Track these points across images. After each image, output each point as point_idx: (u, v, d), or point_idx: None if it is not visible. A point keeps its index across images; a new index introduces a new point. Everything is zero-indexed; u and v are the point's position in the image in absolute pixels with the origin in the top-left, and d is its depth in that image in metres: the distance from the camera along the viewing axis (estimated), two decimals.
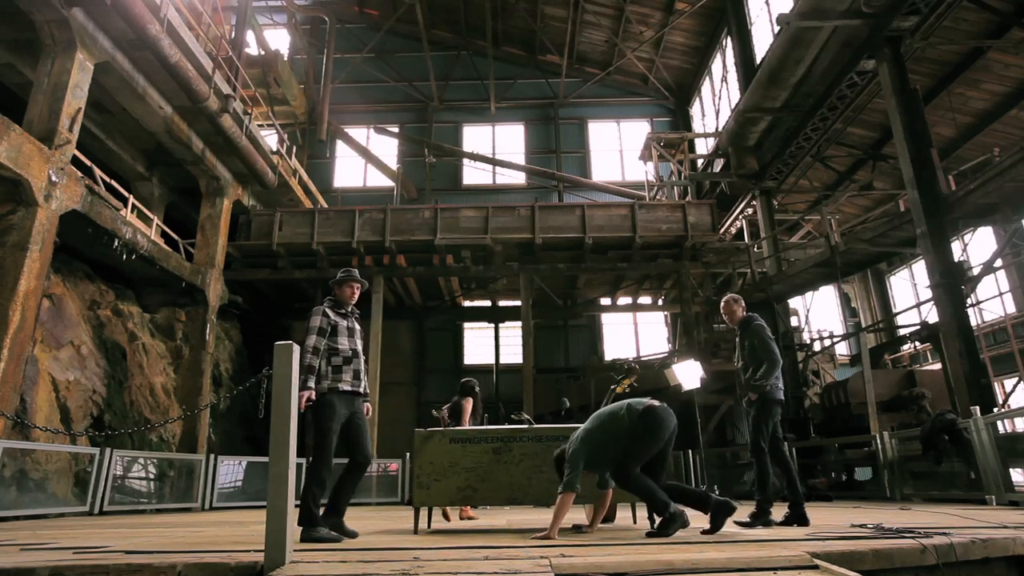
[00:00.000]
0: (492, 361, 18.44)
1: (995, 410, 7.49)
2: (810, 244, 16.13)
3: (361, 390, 3.76)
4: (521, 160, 20.82)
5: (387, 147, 21.23)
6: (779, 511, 4.26)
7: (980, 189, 8.39)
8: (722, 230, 15.45)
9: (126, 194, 10.49)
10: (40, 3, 8.09)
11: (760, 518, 4.01)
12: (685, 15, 17.75)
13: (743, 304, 4.64)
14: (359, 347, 3.83)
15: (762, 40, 15.03)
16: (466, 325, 18.88)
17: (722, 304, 4.71)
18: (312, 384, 3.53)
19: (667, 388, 12.08)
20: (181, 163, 12.22)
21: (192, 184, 12.84)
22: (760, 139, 14.34)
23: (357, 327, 3.92)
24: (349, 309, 3.92)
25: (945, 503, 6.41)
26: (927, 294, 10.24)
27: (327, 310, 3.79)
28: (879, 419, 9.92)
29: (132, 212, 10.47)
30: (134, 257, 10.06)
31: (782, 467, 4.32)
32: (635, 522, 4.51)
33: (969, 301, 8.87)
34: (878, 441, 7.99)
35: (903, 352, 17.62)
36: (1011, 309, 13.45)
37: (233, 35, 14.89)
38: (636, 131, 21.27)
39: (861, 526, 3.44)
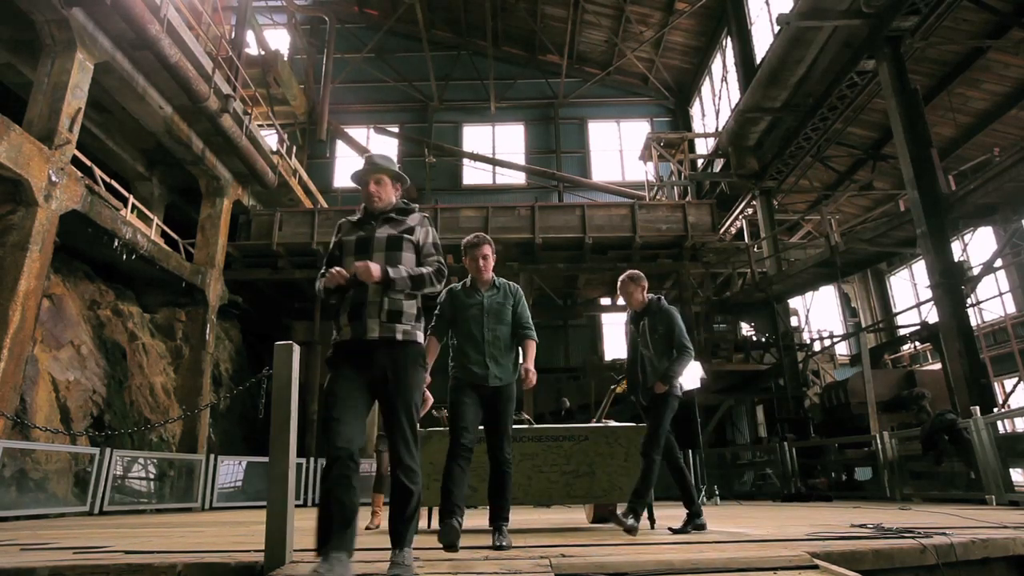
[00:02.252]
0: None
1: (995, 410, 7.49)
2: (810, 244, 16.13)
3: (371, 334, 2.32)
4: (521, 160, 20.82)
5: (387, 147, 21.24)
6: (775, 512, 4.25)
7: (980, 189, 8.40)
8: (722, 230, 15.46)
9: (126, 194, 10.49)
10: (40, 3, 8.09)
11: (692, 521, 3.76)
12: (685, 15, 17.76)
13: (645, 284, 4.10)
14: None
15: (762, 40, 15.03)
16: None
17: (619, 284, 4.11)
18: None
19: None
20: (181, 163, 12.22)
21: (192, 184, 12.84)
22: (760, 139, 14.34)
23: (384, 234, 2.50)
24: (375, 210, 2.57)
25: (945, 503, 6.41)
26: (927, 294, 10.25)
27: (341, 224, 2.69)
28: (879, 419, 9.92)
29: (132, 212, 10.47)
30: (134, 257, 10.06)
31: (677, 471, 4.02)
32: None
33: (969, 301, 8.88)
34: (878, 441, 7.99)
35: (903, 352, 17.62)
36: (1011, 309, 13.44)
37: (233, 35, 14.88)
38: (636, 131, 21.28)
39: (861, 526, 3.44)
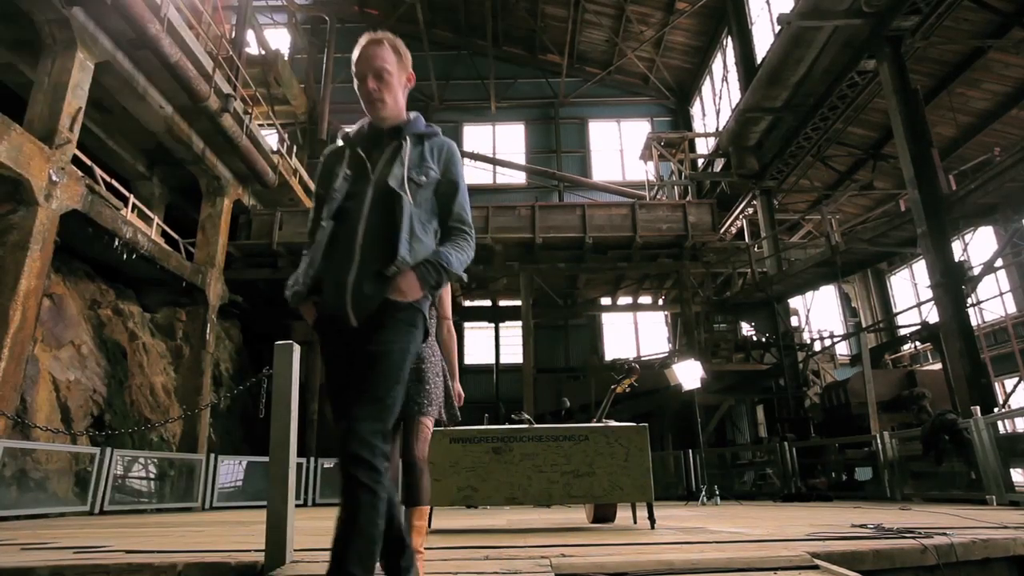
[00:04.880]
0: (492, 361, 18.45)
1: (995, 410, 7.49)
2: (810, 244, 16.12)
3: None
4: (521, 160, 20.83)
5: None
6: (781, 513, 4.24)
7: (980, 189, 8.40)
8: (722, 230, 15.46)
9: (126, 194, 10.49)
10: (40, 3, 8.09)
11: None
12: (685, 15, 17.75)
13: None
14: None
15: (763, 40, 15.03)
16: (466, 325, 18.90)
17: (372, 51, 1.79)
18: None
19: (667, 388, 12.09)
20: (181, 163, 12.22)
21: (192, 184, 12.84)
22: (760, 139, 14.34)
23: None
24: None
25: (945, 503, 6.41)
26: (927, 294, 10.24)
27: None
28: (879, 419, 9.93)
29: (132, 212, 10.47)
30: (134, 257, 10.06)
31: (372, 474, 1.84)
32: (635, 522, 4.51)
33: (969, 301, 8.87)
34: (878, 441, 7.99)
35: (903, 352, 17.62)
36: (1011, 309, 13.44)
37: (233, 35, 14.89)
38: (636, 131, 21.28)
39: (861, 526, 3.44)
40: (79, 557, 2.61)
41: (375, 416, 1.55)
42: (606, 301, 18.08)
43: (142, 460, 9.30)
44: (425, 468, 2.43)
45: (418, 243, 1.71)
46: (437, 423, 2.60)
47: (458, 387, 2.78)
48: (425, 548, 2.35)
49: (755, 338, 14.95)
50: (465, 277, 1.81)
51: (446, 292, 2.86)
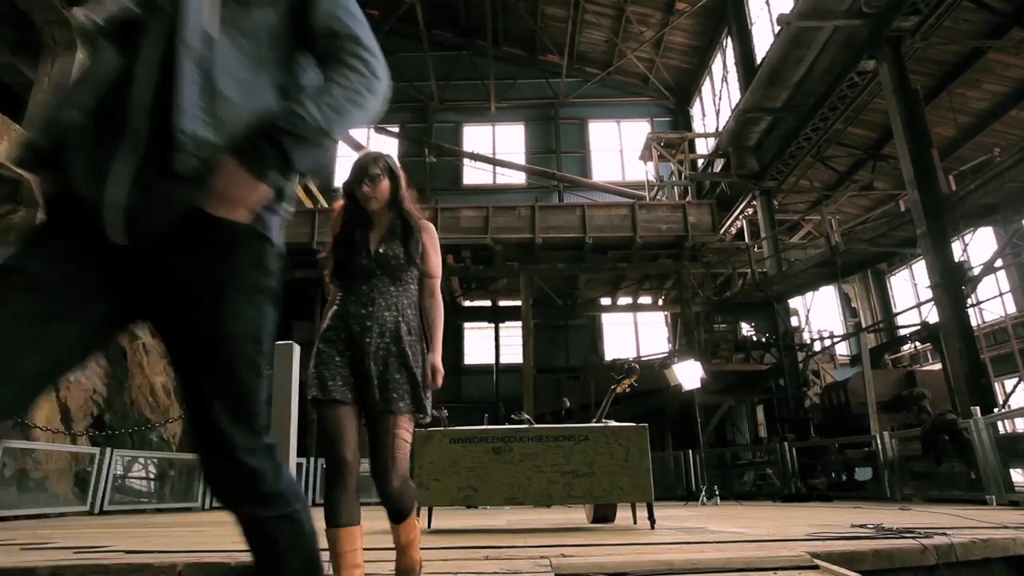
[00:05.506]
0: (492, 361, 18.44)
1: (995, 410, 7.49)
2: (810, 244, 16.14)
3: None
4: (521, 160, 20.83)
5: (387, 147, 21.24)
6: (781, 514, 4.23)
7: (980, 189, 8.41)
8: (722, 230, 15.46)
9: None
10: (40, 3, 8.10)
11: None
12: (685, 15, 17.76)
13: None
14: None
15: (762, 40, 15.03)
16: (466, 325, 18.91)
17: None
18: None
19: (667, 388, 12.09)
20: None
21: None
22: (760, 139, 14.35)
23: None
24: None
25: (945, 503, 6.41)
26: (927, 294, 10.25)
27: None
28: (879, 419, 9.93)
29: None
30: None
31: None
32: (635, 522, 4.51)
33: (969, 301, 8.88)
34: (878, 441, 7.99)
35: (903, 352, 17.62)
36: (1011, 309, 13.45)
37: None
38: (636, 131, 21.28)
39: (861, 526, 3.44)
40: (79, 557, 2.61)
41: (247, 426, 1.09)
42: (606, 301, 18.08)
43: (142, 460, 9.30)
44: (405, 489, 1.91)
45: (226, 105, 0.99)
46: (418, 424, 2.05)
47: (437, 361, 2.06)
48: (424, 548, 2.35)
49: (755, 338, 14.96)
50: (350, 132, 1.06)
51: (431, 243, 2.06)
